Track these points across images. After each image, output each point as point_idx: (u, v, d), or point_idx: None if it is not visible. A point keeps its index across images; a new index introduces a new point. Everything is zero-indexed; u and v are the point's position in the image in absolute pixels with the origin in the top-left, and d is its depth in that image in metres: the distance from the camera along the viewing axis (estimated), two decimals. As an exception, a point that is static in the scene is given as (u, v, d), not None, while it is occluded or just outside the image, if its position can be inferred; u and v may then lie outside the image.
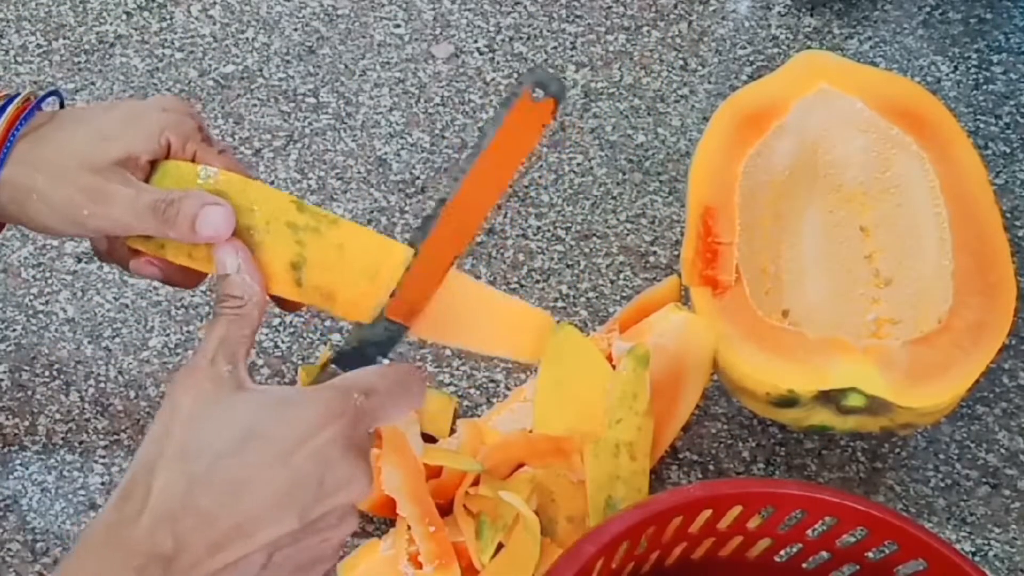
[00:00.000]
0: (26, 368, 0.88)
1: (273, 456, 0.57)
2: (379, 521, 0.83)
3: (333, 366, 0.64)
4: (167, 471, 0.56)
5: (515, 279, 0.95)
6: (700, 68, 1.09)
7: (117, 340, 0.90)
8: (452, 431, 0.85)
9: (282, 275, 0.64)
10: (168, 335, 0.90)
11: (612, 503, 0.80)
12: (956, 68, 1.10)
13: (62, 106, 0.73)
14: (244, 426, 0.57)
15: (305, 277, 0.64)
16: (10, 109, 0.68)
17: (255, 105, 1.04)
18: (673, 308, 0.85)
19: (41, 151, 0.67)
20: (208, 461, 0.56)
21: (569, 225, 0.98)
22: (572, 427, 0.82)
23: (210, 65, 1.06)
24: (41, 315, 0.91)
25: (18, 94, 0.69)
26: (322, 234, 0.64)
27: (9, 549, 0.80)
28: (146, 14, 1.09)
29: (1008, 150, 1.05)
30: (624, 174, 1.02)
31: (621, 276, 0.96)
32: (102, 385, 0.88)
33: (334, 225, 0.65)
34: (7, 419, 0.86)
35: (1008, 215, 1.00)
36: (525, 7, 1.12)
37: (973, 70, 1.10)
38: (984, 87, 1.09)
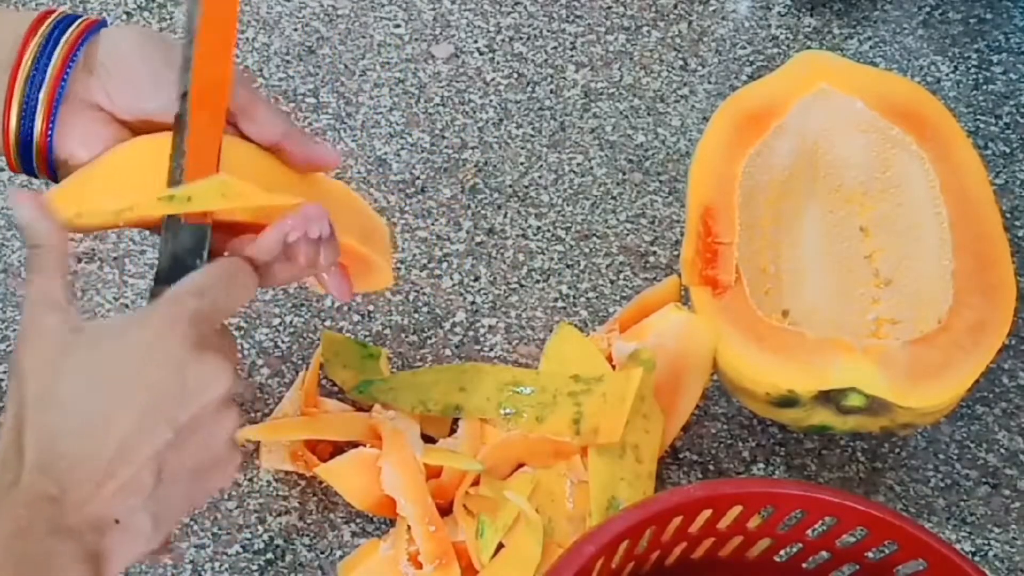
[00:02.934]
0: (26, 368, 0.88)
1: (124, 379, 0.58)
2: (379, 521, 0.83)
3: (159, 287, 0.64)
4: (31, 429, 0.57)
5: (515, 279, 0.95)
6: (700, 68, 1.09)
7: (117, 340, 0.90)
8: (452, 431, 0.85)
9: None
10: (168, 335, 0.90)
11: (615, 504, 0.80)
12: (956, 68, 1.10)
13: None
14: (89, 363, 0.58)
15: None
16: (71, 32, 0.68)
17: (255, 105, 1.03)
18: (673, 308, 0.85)
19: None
20: (65, 408, 0.57)
21: (569, 225, 0.98)
22: None
23: (210, 65, 1.06)
24: (41, 315, 0.91)
25: (73, 16, 0.69)
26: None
27: (9, 549, 0.80)
28: (146, 14, 1.09)
29: (1008, 150, 1.05)
30: (624, 174, 1.02)
31: (621, 276, 0.96)
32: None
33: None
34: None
35: (1008, 215, 1.00)
36: (525, 7, 1.12)
37: (973, 70, 1.10)
38: (984, 87, 1.09)
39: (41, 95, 0.66)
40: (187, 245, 0.65)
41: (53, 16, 0.68)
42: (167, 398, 0.58)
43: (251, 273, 0.65)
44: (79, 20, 0.68)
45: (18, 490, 0.56)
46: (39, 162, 0.69)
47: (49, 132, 0.67)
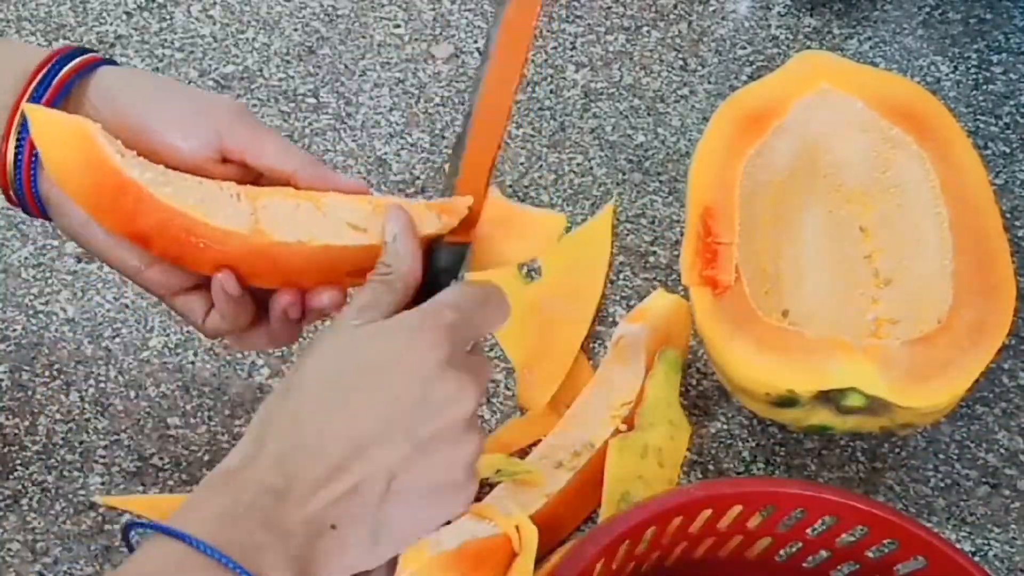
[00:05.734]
0: (26, 368, 0.88)
1: (370, 383, 0.57)
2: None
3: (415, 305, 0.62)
4: (277, 417, 0.57)
5: (515, 279, 0.95)
6: (700, 68, 1.09)
7: (117, 340, 0.90)
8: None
9: None
10: (168, 335, 0.90)
11: (628, 499, 0.81)
12: (956, 68, 1.10)
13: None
14: (340, 359, 0.58)
15: None
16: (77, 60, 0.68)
17: (255, 105, 1.04)
18: (662, 293, 0.90)
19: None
20: (310, 398, 0.57)
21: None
22: None
23: (210, 65, 1.06)
24: (41, 315, 0.91)
25: (79, 51, 0.68)
26: None
27: (9, 549, 0.80)
28: (146, 14, 1.09)
29: (1008, 150, 1.05)
30: (624, 174, 1.02)
31: (621, 276, 0.96)
32: (102, 385, 0.88)
33: None
34: (7, 419, 0.86)
35: (1008, 215, 1.00)
36: (525, 7, 1.12)
37: (973, 70, 1.10)
38: (984, 87, 1.09)
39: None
40: (447, 264, 0.65)
41: (65, 51, 0.68)
42: (410, 409, 0.57)
43: (505, 299, 0.63)
44: (79, 56, 0.68)
45: (246, 474, 0.55)
46: (27, 194, 0.68)
47: (32, 166, 0.67)
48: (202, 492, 0.56)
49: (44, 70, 0.67)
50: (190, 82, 1.05)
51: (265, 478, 0.55)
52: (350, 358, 0.58)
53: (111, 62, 0.69)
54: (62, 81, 0.66)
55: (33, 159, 0.66)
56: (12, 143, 0.66)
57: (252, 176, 0.68)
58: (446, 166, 0.65)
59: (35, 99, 0.66)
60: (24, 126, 0.65)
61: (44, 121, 0.63)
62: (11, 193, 0.69)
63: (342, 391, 0.57)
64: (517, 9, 0.63)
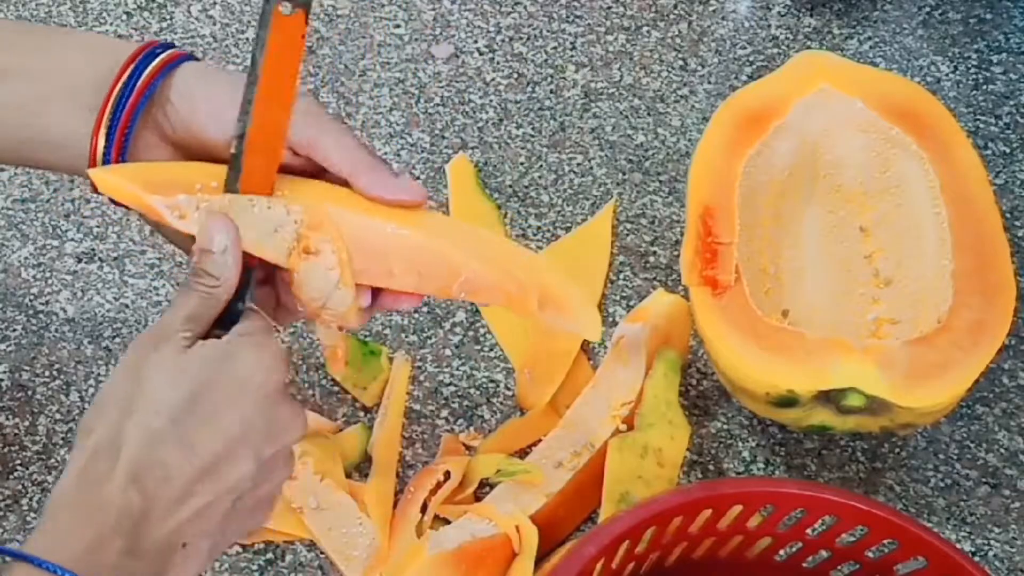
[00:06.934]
0: (26, 368, 0.88)
1: (223, 402, 0.60)
2: (379, 521, 0.83)
3: (217, 331, 0.64)
4: (134, 428, 0.58)
5: (515, 279, 0.95)
6: (700, 68, 1.09)
7: (117, 340, 0.90)
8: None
9: None
10: (168, 335, 0.90)
11: (628, 499, 0.81)
12: (956, 68, 1.10)
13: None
14: (194, 381, 0.60)
15: None
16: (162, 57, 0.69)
17: (255, 105, 1.03)
18: (663, 292, 0.90)
19: None
20: (166, 418, 0.58)
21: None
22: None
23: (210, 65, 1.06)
24: (41, 315, 0.91)
25: (165, 46, 0.70)
26: None
27: (9, 549, 0.80)
28: (146, 14, 1.09)
29: (1008, 150, 1.05)
30: (624, 174, 1.02)
31: (621, 276, 0.96)
32: (102, 385, 0.87)
33: None
34: (7, 419, 0.86)
35: (1008, 215, 1.00)
36: (525, 7, 1.12)
37: (973, 70, 1.10)
38: (984, 87, 1.09)
39: (118, 125, 0.68)
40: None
41: (148, 47, 0.70)
42: (256, 432, 0.60)
43: None
44: (165, 52, 0.70)
45: (108, 492, 0.57)
46: None
47: (120, 159, 0.69)
48: (60, 514, 0.57)
49: (128, 70, 0.68)
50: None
51: (124, 498, 0.57)
52: (199, 376, 0.60)
53: (192, 57, 0.71)
54: (146, 83, 0.68)
55: (121, 155, 0.69)
56: (101, 141, 0.68)
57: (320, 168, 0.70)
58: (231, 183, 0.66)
59: (121, 102, 0.68)
60: (113, 123, 0.68)
61: (108, 184, 0.67)
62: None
63: (196, 409, 0.59)
64: (280, 31, 0.64)
